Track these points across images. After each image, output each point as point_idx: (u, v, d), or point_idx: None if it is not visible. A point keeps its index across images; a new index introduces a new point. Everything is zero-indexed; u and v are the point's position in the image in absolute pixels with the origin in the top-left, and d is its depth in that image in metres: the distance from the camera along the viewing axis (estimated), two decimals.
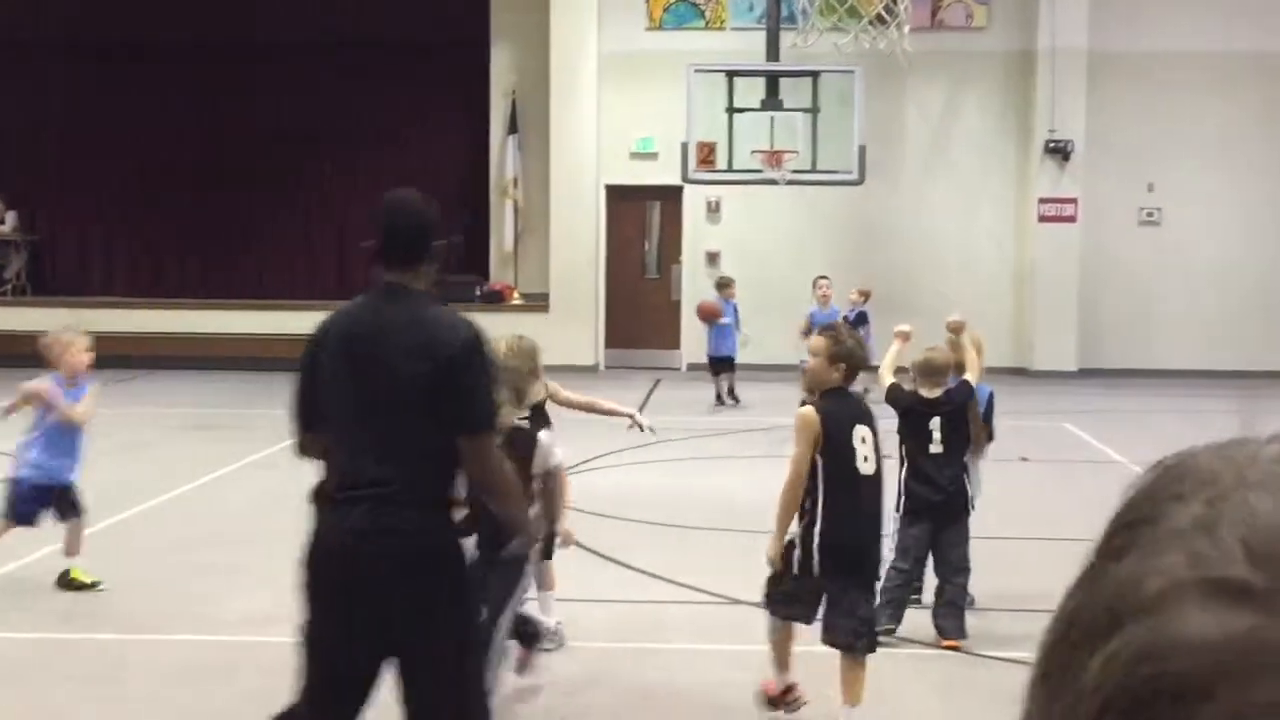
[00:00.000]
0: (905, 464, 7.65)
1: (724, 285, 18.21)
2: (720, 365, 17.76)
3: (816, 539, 5.93)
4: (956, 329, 8.08)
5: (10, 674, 7.16)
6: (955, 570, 7.59)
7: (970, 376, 7.81)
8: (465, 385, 4.36)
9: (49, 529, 8.80)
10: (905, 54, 17.44)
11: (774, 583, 6.16)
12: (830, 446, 5.94)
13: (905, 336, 8.01)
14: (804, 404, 6.23)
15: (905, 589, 7.65)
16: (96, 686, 6.96)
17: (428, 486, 4.40)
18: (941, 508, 7.57)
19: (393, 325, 4.43)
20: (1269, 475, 0.62)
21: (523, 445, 5.97)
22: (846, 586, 6.02)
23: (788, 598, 6.12)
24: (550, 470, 6.18)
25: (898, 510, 7.61)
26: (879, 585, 7.35)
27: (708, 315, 17.85)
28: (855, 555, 6.02)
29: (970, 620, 7.73)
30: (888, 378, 7.75)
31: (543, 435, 6.12)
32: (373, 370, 4.40)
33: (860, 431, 6.00)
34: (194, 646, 7.33)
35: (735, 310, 17.85)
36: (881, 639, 6.63)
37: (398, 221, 4.61)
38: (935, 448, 7.56)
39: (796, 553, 5.97)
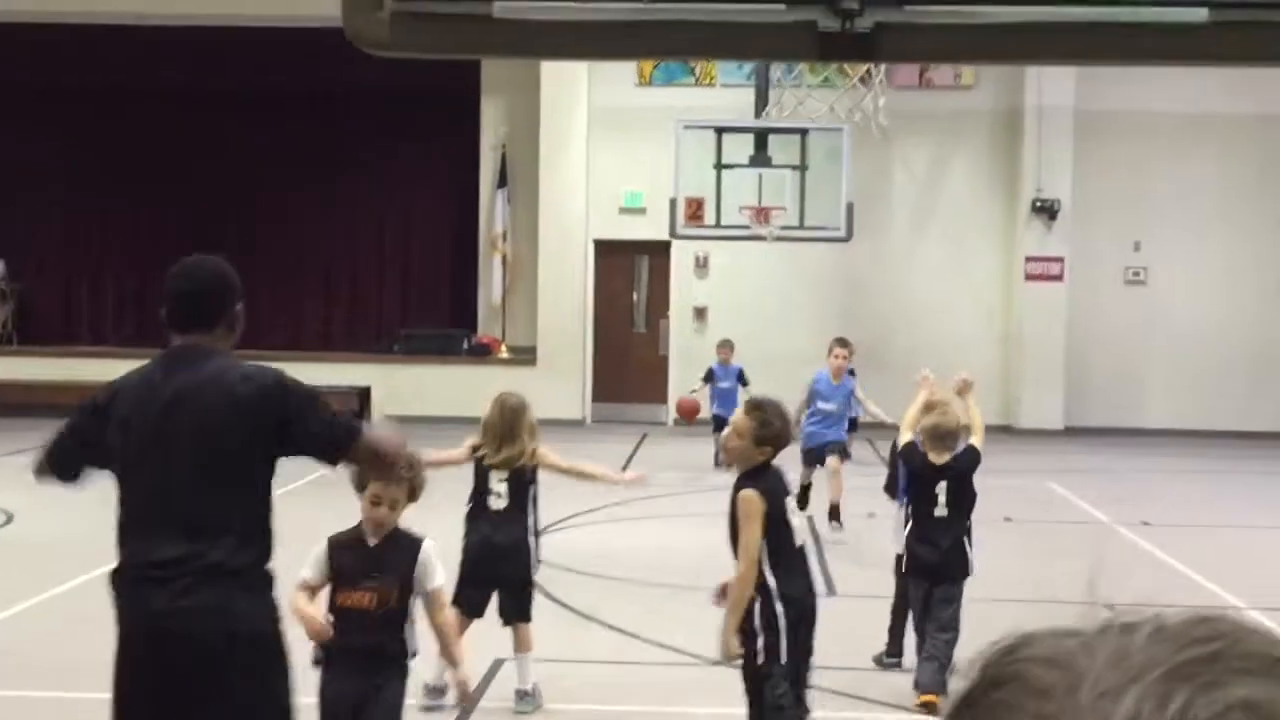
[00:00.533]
0: (909, 524, 7.70)
1: (722, 347, 17.71)
2: (722, 424, 17.52)
3: (784, 619, 5.73)
4: (964, 390, 8.06)
5: None
6: (941, 628, 7.57)
7: (976, 440, 7.81)
8: (299, 416, 4.16)
9: None
10: (880, 127, 17.50)
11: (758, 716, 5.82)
12: (774, 527, 5.77)
13: (929, 383, 7.99)
14: (740, 486, 5.88)
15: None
16: None
17: (238, 561, 4.09)
18: (939, 568, 7.59)
19: (188, 387, 4.16)
20: (1098, 697, 0.61)
21: (405, 551, 5.25)
22: (809, 656, 5.94)
23: (781, 714, 5.81)
24: (430, 592, 5.28)
25: (901, 569, 7.76)
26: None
27: (687, 414, 17.58)
28: (813, 625, 5.92)
29: (950, 683, 7.69)
30: (907, 434, 7.77)
31: (427, 545, 5.33)
32: (170, 438, 4.12)
33: (790, 503, 5.91)
34: None
35: (740, 374, 17.16)
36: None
37: (188, 285, 4.39)
38: (940, 511, 7.59)
39: (761, 641, 5.73)
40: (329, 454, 4.30)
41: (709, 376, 17.26)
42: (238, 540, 4.12)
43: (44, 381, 21.59)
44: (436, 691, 7.31)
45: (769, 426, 5.80)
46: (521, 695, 7.36)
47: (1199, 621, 0.63)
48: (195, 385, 4.16)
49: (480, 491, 7.37)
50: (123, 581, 4.18)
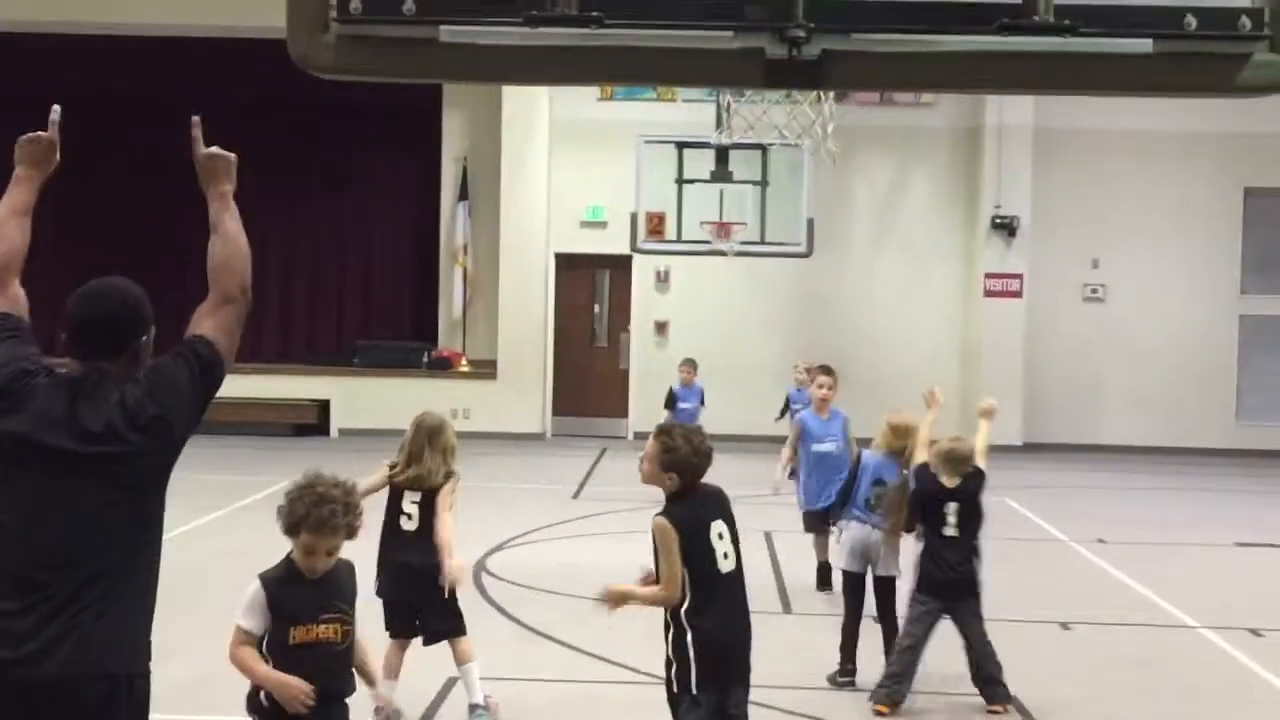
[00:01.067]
0: (921, 543, 7.95)
1: (684, 366, 16.33)
2: None
3: (693, 649, 5.58)
4: (989, 413, 8.38)
5: None
6: (981, 642, 7.84)
7: (981, 463, 8.04)
8: (186, 400, 3.93)
9: None
10: (830, 153, 17.53)
11: None
12: (690, 554, 5.61)
13: (938, 400, 8.28)
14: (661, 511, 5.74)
15: (912, 664, 7.82)
16: None
17: (112, 596, 3.79)
18: (953, 586, 7.83)
19: (90, 424, 3.83)
20: None
21: (347, 574, 5.00)
22: (729, 691, 5.70)
23: None
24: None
25: (913, 586, 7.95)
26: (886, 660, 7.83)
27: None
28: (734, 656, 5.73)
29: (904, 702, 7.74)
30: (922, 454, 8.01)
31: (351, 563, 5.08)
32: (53, 463, 3.78)
33: (717, 528, 5.69)
34: None
35: (701, 394, 16.03)
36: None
37: (92, 312, 4.06)
38: (950, 531, 7.86)
39: (674, 670, 5.62)
40: (220, 374, 4.05)
41: (670, 400, 15.89)
42: (116, 574, 3.82)
43: None
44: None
45: (673, 451, 5.64)
46: (474, 709, 7.32)
47: None
48: (100, 424, 3.85)
49: (393, 512, 7.38)
50: None
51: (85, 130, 22.75)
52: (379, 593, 7.31)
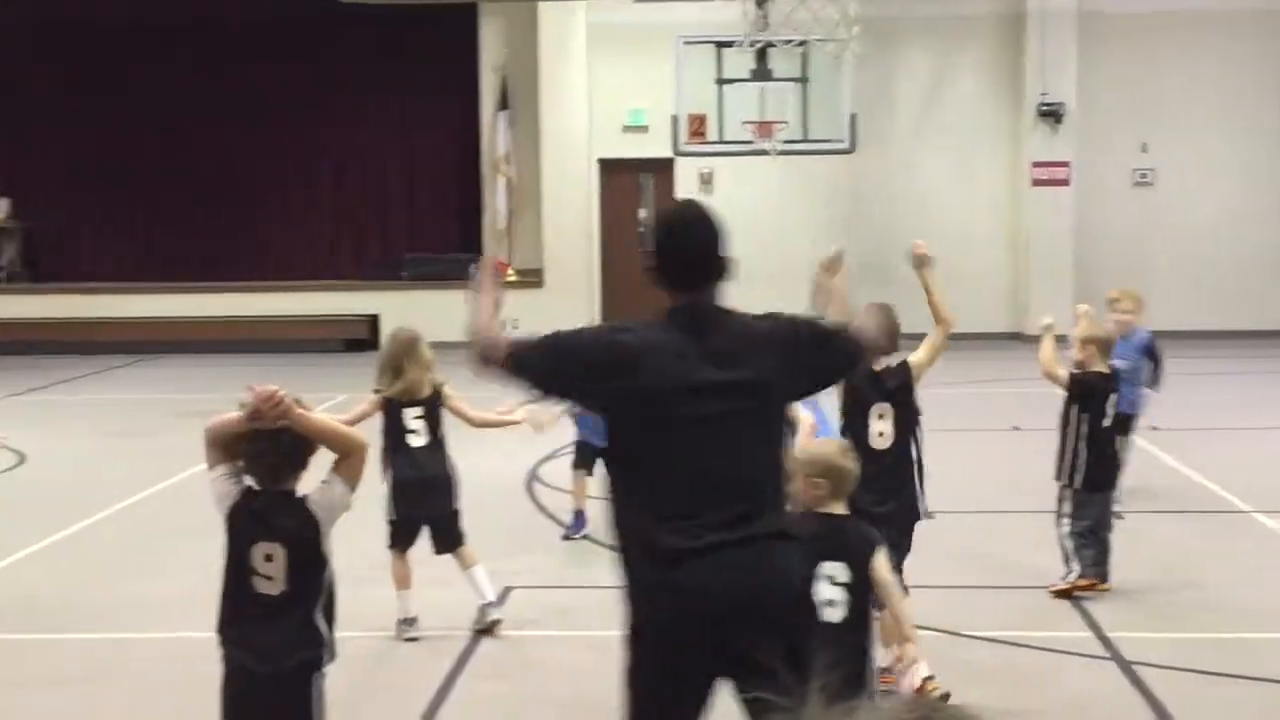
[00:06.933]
0: (1082, 442, 8.07)
1: (1117, 305, 10.54)
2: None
3: None
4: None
5: None
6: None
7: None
8: None
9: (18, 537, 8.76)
10: (855, 54, 17.27)
11: None
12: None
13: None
14: None
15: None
16: (68, 689, 6.88)
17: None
18: (1114, 474, 8.29)
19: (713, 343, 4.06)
20: None
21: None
22: None
23: None
24: None
25: (1078, 485, 8.05)
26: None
27: None
28: None
29: (949, 598, 7.77)
30: (1061, 370, 8.19)
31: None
32: (704, 398, 3.99)
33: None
34: (184, 645, 7.31)
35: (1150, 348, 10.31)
36: None
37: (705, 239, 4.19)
38: (1107, 421, 8.14)
39: None
40: None
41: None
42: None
43: (51, 319, 21.65)
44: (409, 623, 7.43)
45: None
46: (490, 606, 7.47)
47: (912, 705, 0.67)
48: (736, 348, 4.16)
49: (396, 431, 7.40)
50: None
51: (131, 57, 22.84)
52: (391, 510, 7.42)
